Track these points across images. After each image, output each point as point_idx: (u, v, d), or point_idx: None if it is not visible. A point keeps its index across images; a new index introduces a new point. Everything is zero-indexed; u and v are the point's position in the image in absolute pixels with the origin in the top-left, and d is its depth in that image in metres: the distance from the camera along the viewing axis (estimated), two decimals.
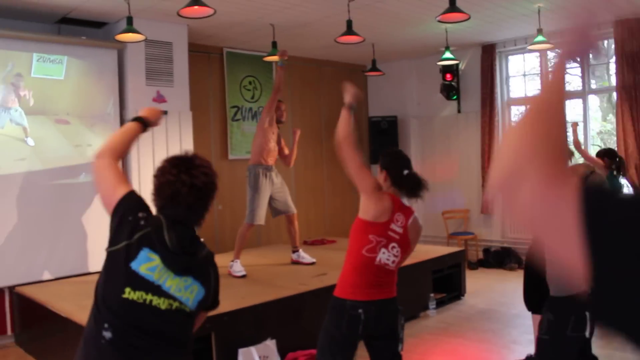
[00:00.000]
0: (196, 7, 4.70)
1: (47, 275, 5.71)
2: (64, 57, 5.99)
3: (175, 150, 6.55)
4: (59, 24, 6.32)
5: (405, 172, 2.99)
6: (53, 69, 5.94)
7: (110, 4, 5.73)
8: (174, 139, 6.62)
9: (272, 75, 8.47)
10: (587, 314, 3.02)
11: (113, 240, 2.02)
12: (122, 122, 6.37)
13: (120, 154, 2.26)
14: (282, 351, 4.47)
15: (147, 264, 1.96)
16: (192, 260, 2.05)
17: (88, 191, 5.98)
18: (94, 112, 6.19)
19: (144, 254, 1.96)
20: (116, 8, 5.84)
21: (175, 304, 2.00)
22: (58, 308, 4.68)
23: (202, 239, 2.16)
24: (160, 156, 2.27)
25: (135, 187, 2.36)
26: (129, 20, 5.58)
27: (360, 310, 2.86)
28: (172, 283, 1.99)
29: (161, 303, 1.96)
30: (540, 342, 3.14)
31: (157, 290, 1.96)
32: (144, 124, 2.32)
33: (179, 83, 6.73)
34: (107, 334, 1.92)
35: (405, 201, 3.08)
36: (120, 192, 2.09)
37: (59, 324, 4.62)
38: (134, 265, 1.95)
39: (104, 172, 2.16)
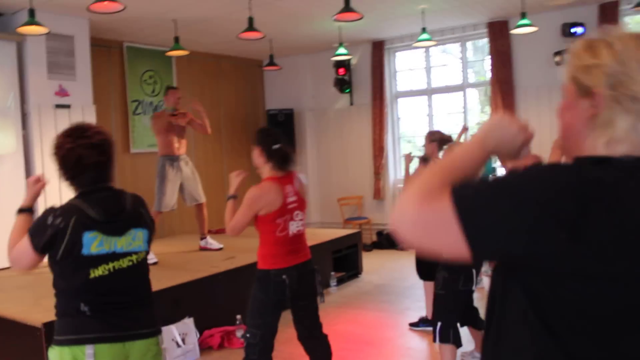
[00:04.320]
0: (106, 2, 4.82)
1: None
2: None
3: None
4: None
5: (275, 146, 3.30)
6: None
7: None
8: None
9: (172, 69, 8.60)
10: (474, 271, 3.60)
11: (51, 254, 2.15)
12: (24, 116, 6.31)
13: None
14: (199, 328, 4.75)
15: (94, 242, 2.16)
16: (125, 215, 2.25)
17: None
18: None
19: (86, 237, 2.14)
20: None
21: (134, 257, 2.27)
22: None
23: (119, 188, 2.31)
24: None
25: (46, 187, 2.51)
26: (31, 12, 5.55)
27: (284, 277, 3.23)
28: (122, 243, 2.23)
29: (122, 263, 2.23)
30: (437, 297, 3.68)
31: (114, 256, 2.21)
32: (30, 210, 2.38)
33: (81, 77, 6.73)
34: (85, 308, 2.15)
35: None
36: (26, 242, 2.17)
37: None
38: (85, 251, 2.14)
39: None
